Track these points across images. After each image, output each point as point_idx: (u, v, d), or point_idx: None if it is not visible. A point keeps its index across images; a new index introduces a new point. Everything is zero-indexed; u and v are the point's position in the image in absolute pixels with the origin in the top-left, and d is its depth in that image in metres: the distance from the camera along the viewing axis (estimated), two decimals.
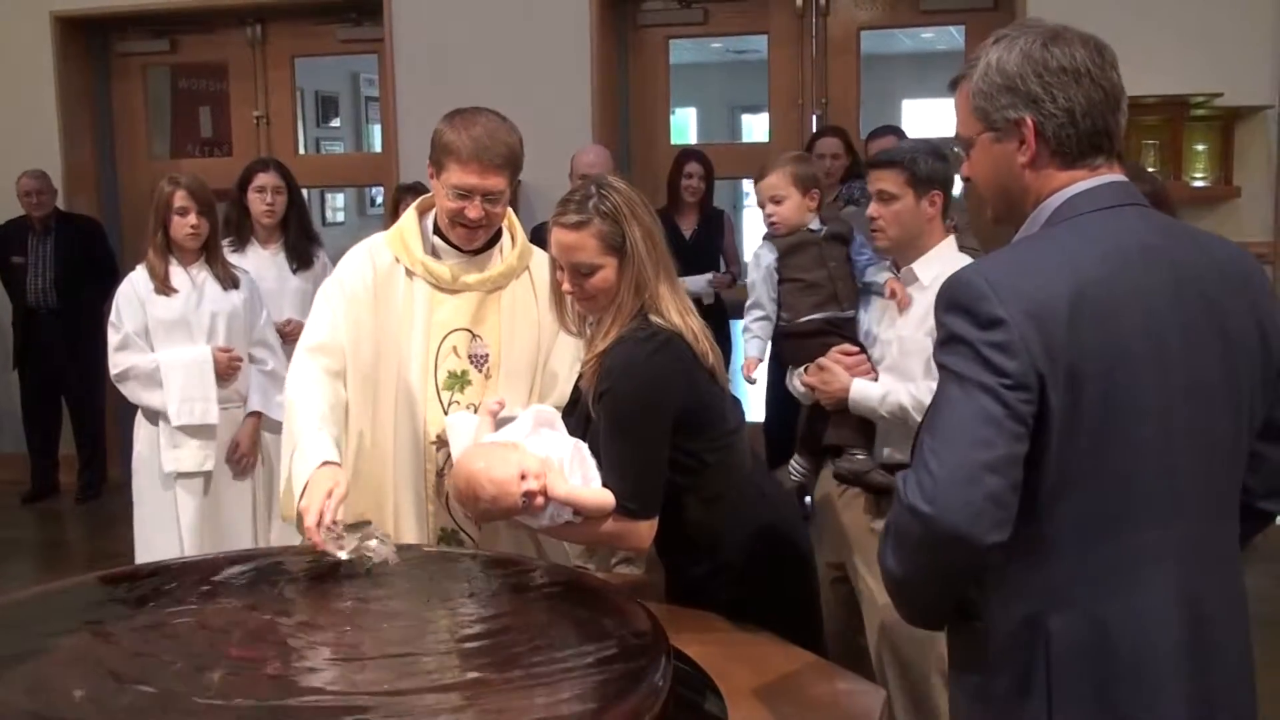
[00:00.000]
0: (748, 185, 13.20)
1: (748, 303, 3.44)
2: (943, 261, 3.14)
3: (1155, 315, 1.61)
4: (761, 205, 3.42)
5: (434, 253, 2.76)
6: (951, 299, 1.63)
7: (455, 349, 2.72)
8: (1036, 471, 1.59)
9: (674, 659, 2.01)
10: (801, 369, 3.34)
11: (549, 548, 2.80)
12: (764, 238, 3.49)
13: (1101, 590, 1.62)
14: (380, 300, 2.72)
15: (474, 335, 2.74)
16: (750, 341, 3.40)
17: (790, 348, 3.40)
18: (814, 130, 6.15)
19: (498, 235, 2.80)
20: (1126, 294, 1.60)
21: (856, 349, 3.27)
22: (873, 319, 3.31)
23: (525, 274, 2.80)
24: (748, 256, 6.38)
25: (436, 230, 2.76)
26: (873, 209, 3.19)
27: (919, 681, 3.17)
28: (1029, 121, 1.68)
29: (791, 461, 3.49)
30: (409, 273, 2.73)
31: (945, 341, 1.63)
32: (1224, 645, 1.70)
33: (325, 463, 2.51)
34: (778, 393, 5.68)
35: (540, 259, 2.77)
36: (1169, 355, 1.61)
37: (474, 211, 2.63)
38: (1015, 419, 1.56)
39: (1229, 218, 5.64)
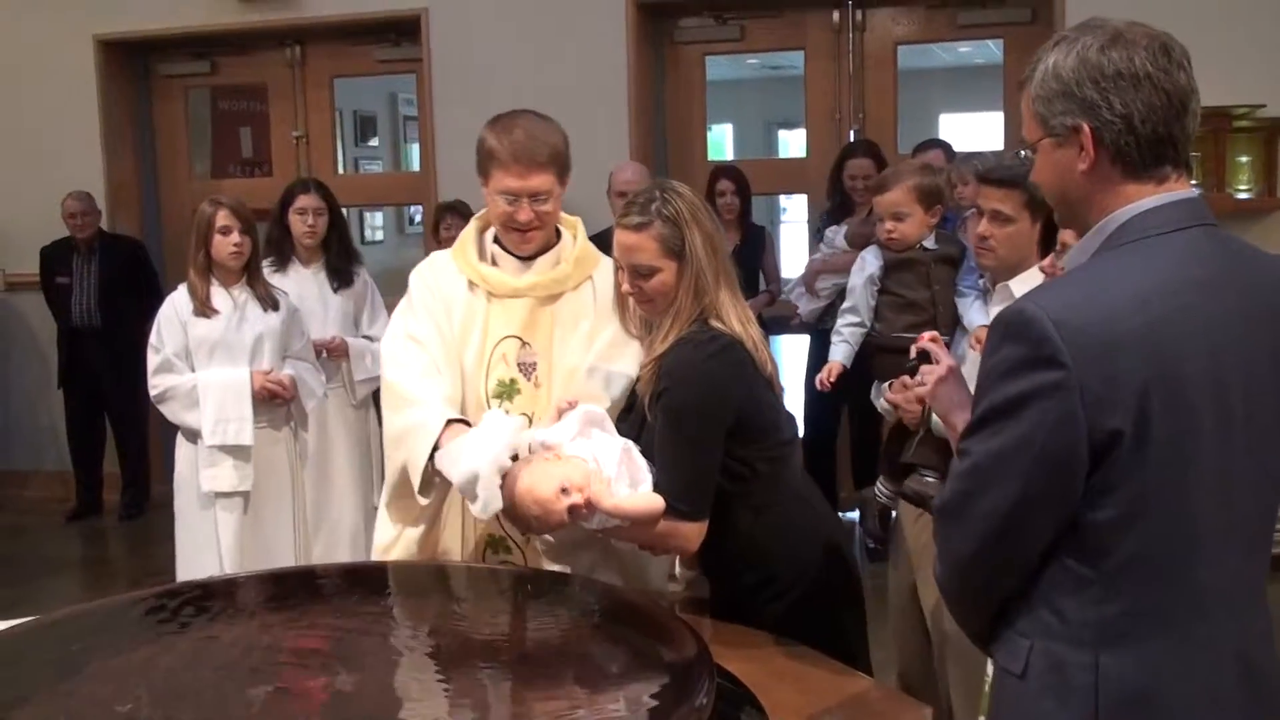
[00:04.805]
0: (785, 201, 13.21)
1: (842, 306, 3.38)
2: (1035, 280, 3.06)
3: (1220, 351, 1.56)
4: (880, 220, 3.30)
5: (493, 261, 2.77)
6: (1010, 332, 1.58)
7: (505, 356, 2.71)
8: (1101, 507, 1.55)
9: (717, 676, 2.00)
10: (886, 385, 3.29)
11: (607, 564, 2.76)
12: (873, 244, 3.37)
13: (1158, 632, 1.58)
14: (446, 310, 2.74)
15: (523, 343, 2.71)
16: (838, 345, 3.31)
17: (879, 361, 3.31)
18: (848, 144, 6.12)
19: (559, 240, 2.78)
20: (1193, 330, 1.55)
21: None
22: (965, 345, 3.19)
23: (587, 284, 2.76)
24: (787, 273, 6.38)
25: (497, 240, 2.78)
26: (985, 228, 3.03)
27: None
28: (1086, 128, 1.63)
29: (877, 483, 3.44)
30: (470, 283, 2.75)
31: (1005, 375, 1.58)
32: (1272, 688, 1.65)
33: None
34: (815, 410, 5.67)
35: (607, 267, 2.76)
36: (1232, 390, 1.57)
37: (523, 214, 2.64)
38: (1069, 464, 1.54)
39: (1273, 230, 5.57)
